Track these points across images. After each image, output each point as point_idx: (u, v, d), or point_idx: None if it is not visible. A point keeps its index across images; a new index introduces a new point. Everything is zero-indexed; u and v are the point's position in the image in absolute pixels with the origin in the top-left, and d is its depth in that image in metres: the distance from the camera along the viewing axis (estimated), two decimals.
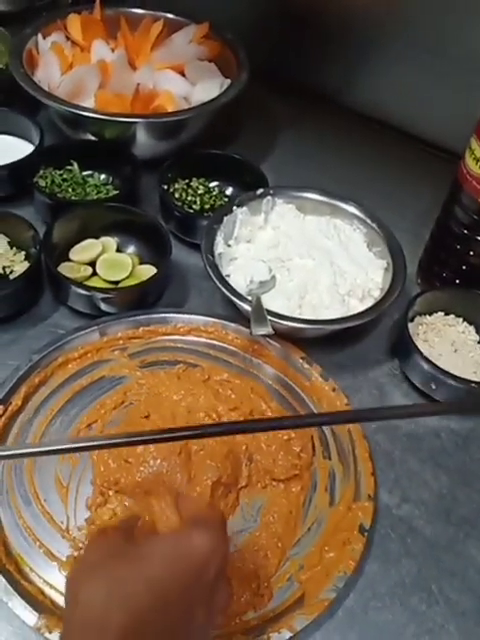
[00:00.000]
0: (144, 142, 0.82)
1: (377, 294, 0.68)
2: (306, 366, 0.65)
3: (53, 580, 0.50)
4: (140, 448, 0.55)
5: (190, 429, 0.45)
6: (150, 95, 0.83)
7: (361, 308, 0.66)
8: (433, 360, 0.63)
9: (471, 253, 0.69)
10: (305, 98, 1.00)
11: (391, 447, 0.62)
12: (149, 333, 0.67)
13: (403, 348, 0.66)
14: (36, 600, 0.48)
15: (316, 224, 0.74)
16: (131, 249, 0.74)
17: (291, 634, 0.47)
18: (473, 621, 0.52)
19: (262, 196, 0.74)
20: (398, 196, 0.86)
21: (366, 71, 0.96)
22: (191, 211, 0.78)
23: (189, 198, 0.80)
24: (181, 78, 0.87)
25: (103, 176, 0.82)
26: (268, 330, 0.59)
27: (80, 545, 0.52)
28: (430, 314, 0.70)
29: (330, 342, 0.68)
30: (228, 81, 0.86)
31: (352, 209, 0.73)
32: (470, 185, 0.65)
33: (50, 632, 0.46)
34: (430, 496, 0.59)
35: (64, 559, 0.51)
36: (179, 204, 0.78)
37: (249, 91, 0.84)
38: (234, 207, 0.72)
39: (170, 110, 0.82)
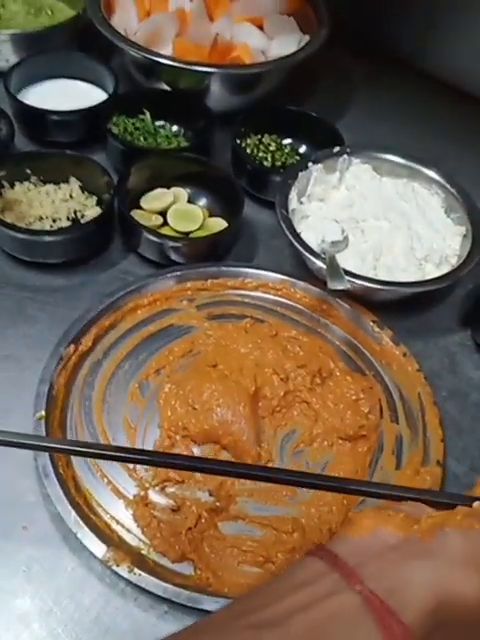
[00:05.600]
0: (218, 94, 0.80)
1: (454, 261, 0.66)
2: (377, 330, 0.63)
3: (120, 516, 0.50)
4: (205, 395, 0.55)
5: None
6: (227, 47, 0.81)
7: (437, 274, 0.64)
8: None
9: None
10: (380, 59, 0.97)
11: (460, 416, 0.60)
12: (217, 286, 0.66)
13: (476, 317, 0.64)
14: (104, 534, 0.49)
15: (393, 186, 0.71)
16: (202, 202, 0.73)
17: None
18: None
19: (338, 154, 0.72)
20: (475, 163, 0.83)
21: (442, 35, 0.93)
22: (264, 167, 0.77)
23: (260, 154, 0.79)
24: (259, 31, 0.84)
25: (175, 127, 0.81)
26: (345, 285, 0.58)
27: (146, 485, 0.52)
28: None
29: (401, 307, 0.66)
30: (306, 37, 0.84)
31: (431, 173, 0.71)
32: None
33: (117, 565, 0.47)
34: None
35: (131, 497, 0.51)
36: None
37: (325, 48, 0.82)
38: (309, 163, 0.70)
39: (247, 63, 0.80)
